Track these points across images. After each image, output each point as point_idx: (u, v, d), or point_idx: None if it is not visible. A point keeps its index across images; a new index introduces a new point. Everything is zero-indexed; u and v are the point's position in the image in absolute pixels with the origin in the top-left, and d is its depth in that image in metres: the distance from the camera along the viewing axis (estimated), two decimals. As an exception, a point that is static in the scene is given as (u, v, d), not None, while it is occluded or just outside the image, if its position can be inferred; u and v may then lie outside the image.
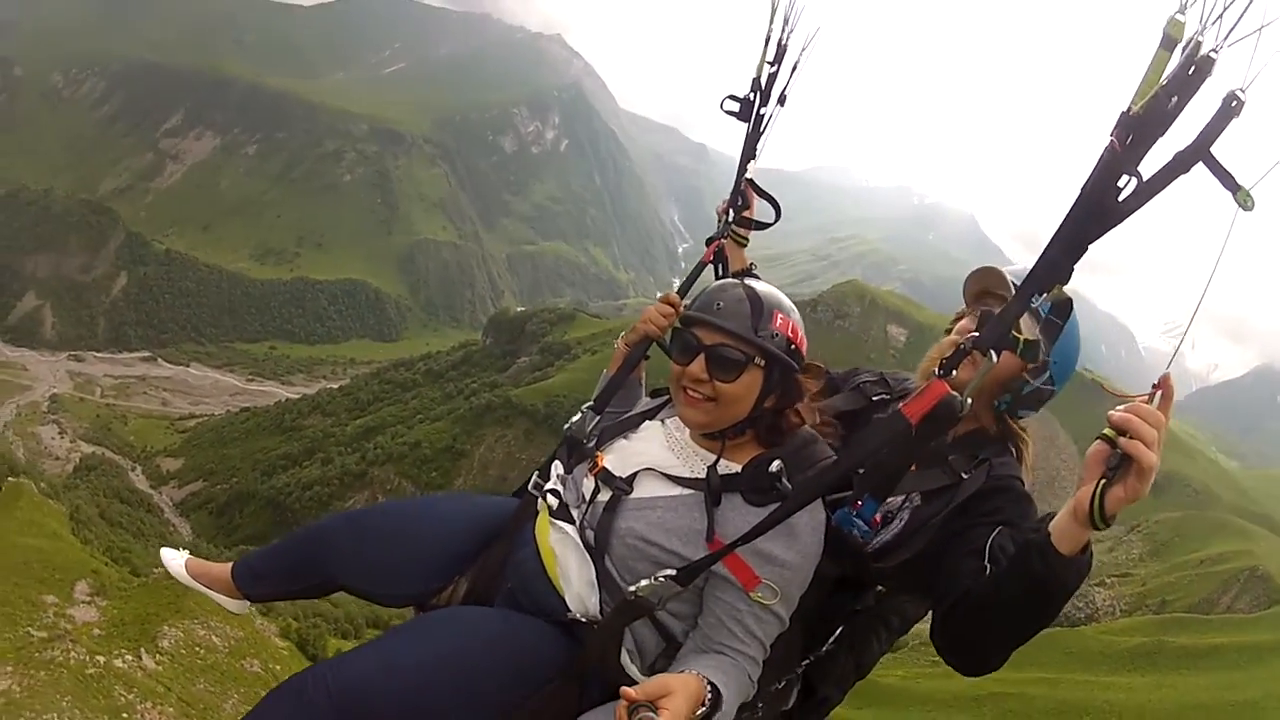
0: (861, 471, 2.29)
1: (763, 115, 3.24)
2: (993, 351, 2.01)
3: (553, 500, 2.53)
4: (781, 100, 3.21)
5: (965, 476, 2.47)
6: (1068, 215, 1.82)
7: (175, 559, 3.13)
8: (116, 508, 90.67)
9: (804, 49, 3.14)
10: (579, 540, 2.41)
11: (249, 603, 3.02)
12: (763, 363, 2.32)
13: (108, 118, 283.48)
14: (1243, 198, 1.60)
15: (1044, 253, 1.89)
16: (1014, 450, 2.65)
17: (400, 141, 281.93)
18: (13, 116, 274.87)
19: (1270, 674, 22.82)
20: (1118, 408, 1.73)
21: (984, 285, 2.75)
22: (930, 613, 2.60)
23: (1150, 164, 1.71)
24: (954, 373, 2.04)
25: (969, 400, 2.01)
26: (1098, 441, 1.75)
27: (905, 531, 2.52)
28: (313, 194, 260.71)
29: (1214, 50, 1.62)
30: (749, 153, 3.29)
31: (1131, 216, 1.76)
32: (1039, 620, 2.02)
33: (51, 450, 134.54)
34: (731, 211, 3.33)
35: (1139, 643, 26.46)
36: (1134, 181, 1.72)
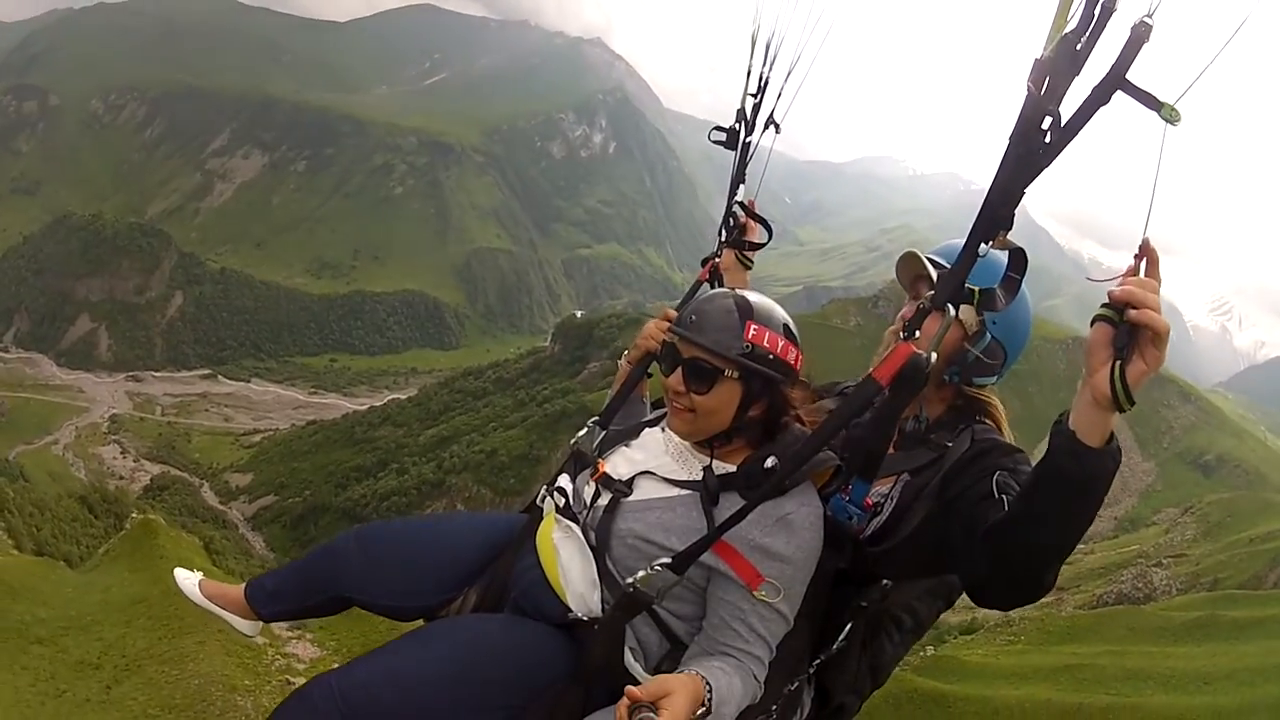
0: (845, 455, 2.32)
1: (749, 144, 3.35)
2: (950, 306, 2.03)
3: (559, 499, 2.57)
4: (775, 126, 3.30)
5: (950, 445, 2.53)
6: (1001, 162, 1.84)
7: (189, 579, 3.11)
8: (198, 527, 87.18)
9: (787, 76, 3.17)
10: (582, 537, 2.44)
11: (261, 624, 3.03)
12: (736, 375, 2.32)
13: (152, 142, 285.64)
14: (1168, 113, 1.61)
15: (985, 202, 1.90)
16: (992, 421, 2.68)
17: (449, 152, 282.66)
18: (53, 145, 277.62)
19: (1315, 639, 27.23)
20: (1115, 286, 1.73)
21: (913, 270, 2.74)
22: (942, 604, 2.75)
23: (1071, 104, 1.74)
24: (917, 334, 2.07)
25: (934, 355, 2.02)
26: (1098, 323, 1.74)
27: (899, 510, 2.54)
28: (365, 208, 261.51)
29: None
30: (738, 179, 3.39)
31: (1060, 153, 1.78)
32: (1082, 523, 1.95)
33: (115, 470, 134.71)
34: (724, 233, 3.43)
35: (1195, 617, 25.65)
36: (1054, 121, 1.75)
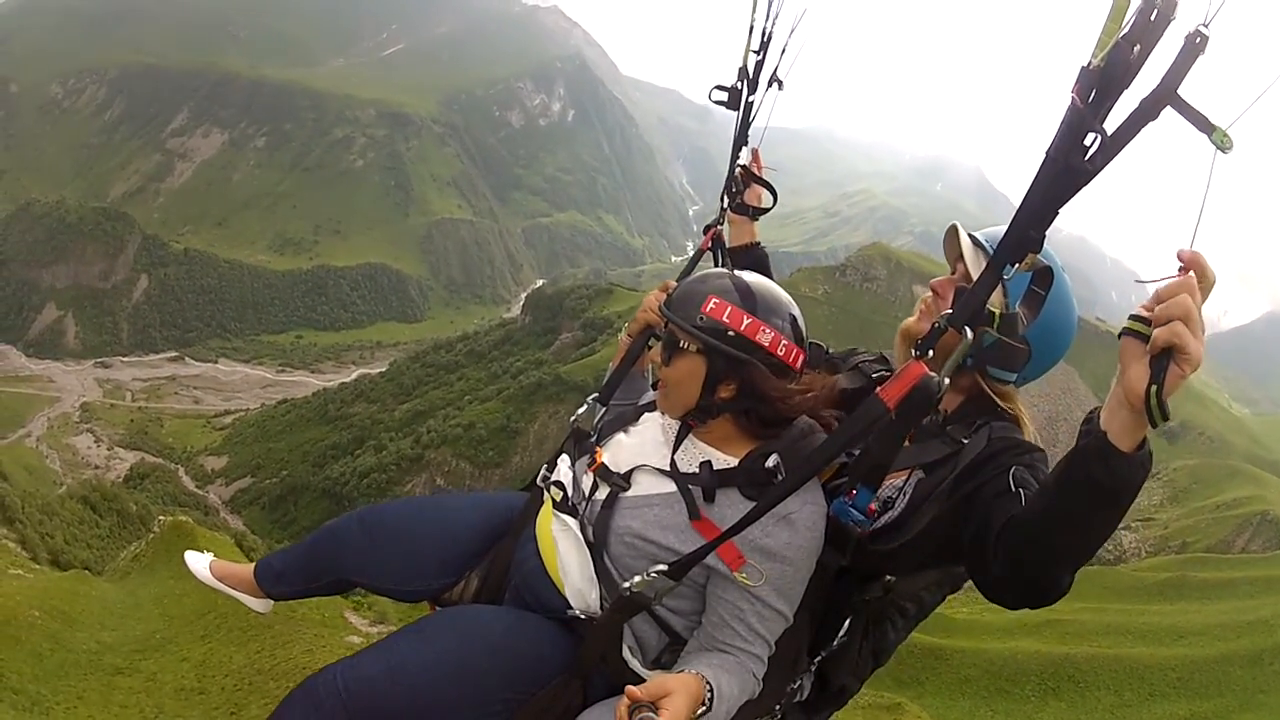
0: (851, 459, 2.25)
1: (751, 103, 3.21)
2: (968, 328, 1.92)
3: (557, 493, 2.52)
4: (779, 84, 3.18)
5: (966, 442, 2.37)
6: (1034, 181, 1.72)
7: (199, 561, 3.13)
8: (186, 515, 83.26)
9: (792, 31, 3.06)
10: (580, 534, 2.40)
11: (272, 602, 3.04)
12: (695, 348, 2.28)
13: (111, 124, 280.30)
14: (1219, 138, 1.48)
15: (1013, 222, 1.79)
16: (1014, 420, 2.50)
17: (409, 123, 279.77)
18: (14, 133, 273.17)
19: (1281, 601, 26.37)
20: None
21: (958, 248, 2.62)
22: (948, 591, 2.67)
23: (1116, 118, 1.61)
24: (930, 352, 1.97)
25: (945, 380, 1.93)
26: (1124, 337, 1.62)
27: (910, 507, 2.42)
28: (326, 182, 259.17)
29: None
30: (740, 140, 3.27)
31: (1100, 175, 1.65)
32: (1106, 530, 1.82)
33: (89, 460, 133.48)
34: (727, 198, 3.36)
35: (1165, 577, 29.88)
36: (1100, 138, 1.61)
